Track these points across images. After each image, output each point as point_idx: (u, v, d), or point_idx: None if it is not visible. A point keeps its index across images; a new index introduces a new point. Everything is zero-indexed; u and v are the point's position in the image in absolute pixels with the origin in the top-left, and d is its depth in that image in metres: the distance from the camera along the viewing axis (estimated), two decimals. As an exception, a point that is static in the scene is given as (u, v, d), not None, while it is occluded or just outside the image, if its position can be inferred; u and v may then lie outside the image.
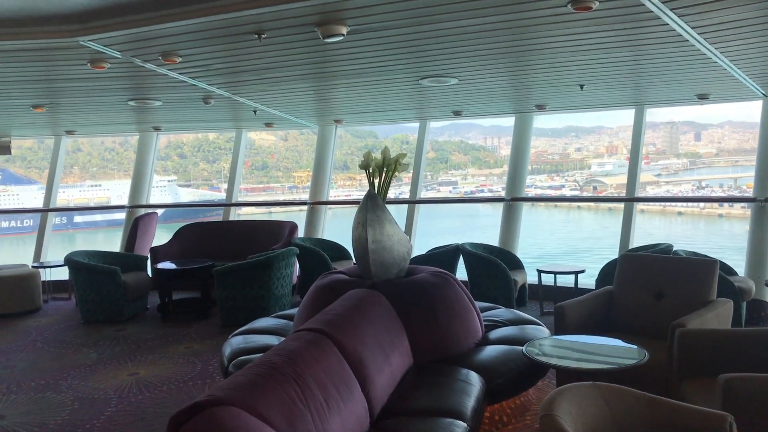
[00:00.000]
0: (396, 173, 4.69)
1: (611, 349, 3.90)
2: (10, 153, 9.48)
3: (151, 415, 4.43)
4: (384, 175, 4.65)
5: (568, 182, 28.53)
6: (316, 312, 4.18)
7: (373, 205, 4.37)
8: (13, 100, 6.64)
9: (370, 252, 4.30)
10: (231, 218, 9.80)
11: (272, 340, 4.57)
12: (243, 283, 6.82)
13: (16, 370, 5.64)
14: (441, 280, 4.43)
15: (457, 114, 8.20)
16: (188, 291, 8.67)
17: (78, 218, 29.48)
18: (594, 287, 6.53)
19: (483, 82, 6.25)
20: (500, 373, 3.84)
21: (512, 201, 8.31)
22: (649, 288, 4.50)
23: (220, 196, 33.32)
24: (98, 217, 29.09)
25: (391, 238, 4.39)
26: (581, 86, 6.33)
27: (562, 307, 4.31)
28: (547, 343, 4.04)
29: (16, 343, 6.55)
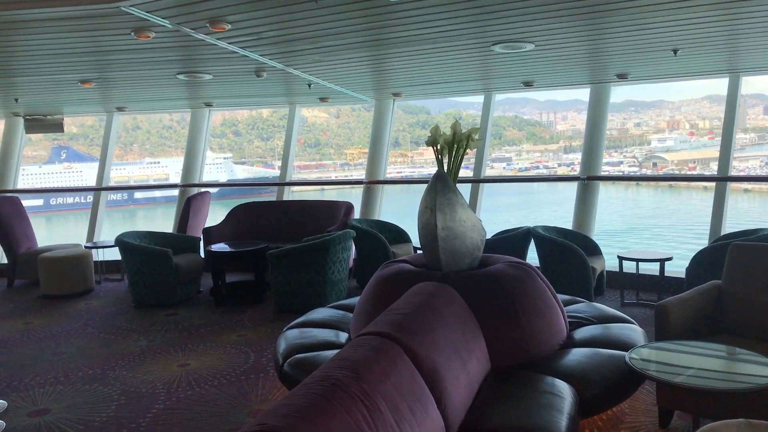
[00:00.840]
0: (468, 150, 4.19)
1: (740, 363, 3.34)
2: (62, 131, 9.38)
3: (201, 415, 4.12)
4: (454, 152, 4.16)
5: (627, 158, 27.47)
6: (379, 308, 3.77)
7: (443, 187, 3.89)
8: (61, 75, 6.41)
9: (440, 240, 3.83)
10: (285, 197, 9.49)
11: (330, 334, 4.18)
12: (298, 268, 6.47)
13: (65, 356, 5.46)
14: (521, 272, 3.93)
15: (527, 85, 7.58)
16: (241, 273, 8.42)
17: (138, 194, 30.24)
18: (684, 276, 5.89)
19: (562, 48, 5.64)
20: (593, 382, 3.33)
21: (588, 180, 7.66)
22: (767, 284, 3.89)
23: (274, 173, 33.41)
24: (157, 193, 29.81)
25: (463, 224, 3.90)
26: (675, 51, 5.64)
27: (664, 306, 3.75)
28: (652, 351, 3.51)
29: (67, 327, 6.40)
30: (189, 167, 9.69)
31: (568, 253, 6.29)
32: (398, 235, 7.87)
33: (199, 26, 4.59)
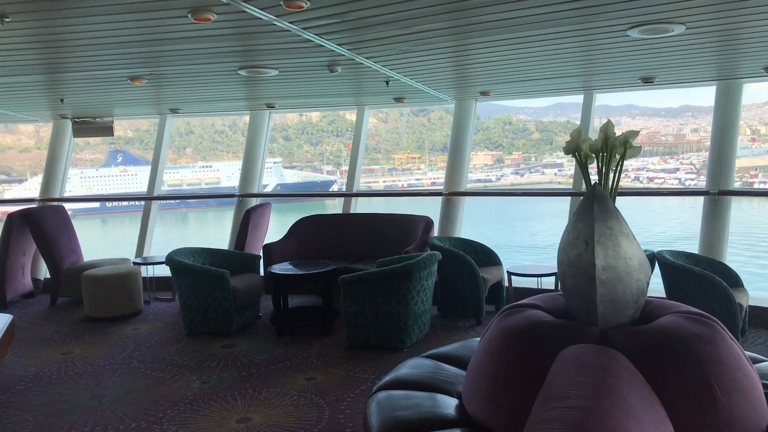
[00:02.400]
0: (622, 160, 3.19)
1: None
2: (112, 134, 8.75)
3: (269, 500, 3.24)
4: (605, 162, 3.16)
5: (684, 165, 27.23)
6: (510, 373, 2.83)
7: (602, 211, 2.89)
8: (109, 70, 5.69)
9: (599, 284, 2.83)
10: (351, 210, 8.61)
11: (435, 402, 3.23)
12: (375, 296, 5.56)
13: (105, 401, 4.68)
14: (706, 329, 2.89)
15: (647, 81, 6.46)
16: (305, 296, 7.59)
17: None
18: None
19: (714, 31, 4.56)
20: None
21: (719, 195, 6.50)
22: None
23: (323, 177, 33.35)
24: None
25: (628, 263, 2.90)
26: None
27: None
28: None
29: (110, 359, 5.65)
30: (247, 175, 8.91)
31: (708, 286, 5.18)
32: (486, 257, 6.88)
33: (271, 3, 3.73)
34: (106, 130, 8.70)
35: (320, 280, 6.33)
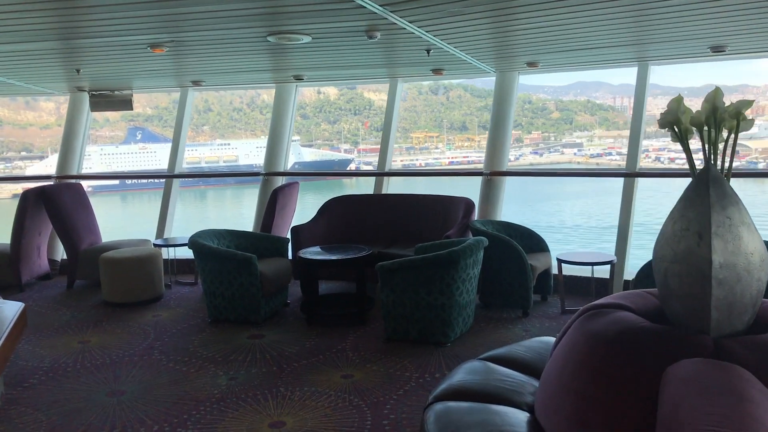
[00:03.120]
0: (733, 135, 2.68)
1: None
2: (131, 108, 8.36)
3: None
4: (712, 139, 2.66)
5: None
6: (599, 390, 2.41)
7: (719, 197, 2.41)
8: (128, 36, 5.25)
9: (716, 285, 2.34)
10: (384, 190, 8.15)
11: (504, 418, 2.79)
12: (416, 285, 5.12)
13: (124, 399, 4.31)
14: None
15: (718, 51, 5.87)
16: (336, 281, 7.19)
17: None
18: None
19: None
20: None
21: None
22: None
23: (340, 156, 33.06)
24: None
25: (750, 258, 2.41)
26: None
27: None
28: None
29: (130, 350, 5.29)
30: (273, 152, 8.48)
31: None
32: (532, 242, 6.40)
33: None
34: (125, 104, 8.30)
35: (353, 266, 5.90)
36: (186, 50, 5.92)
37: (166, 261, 7.39)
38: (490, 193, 7.45)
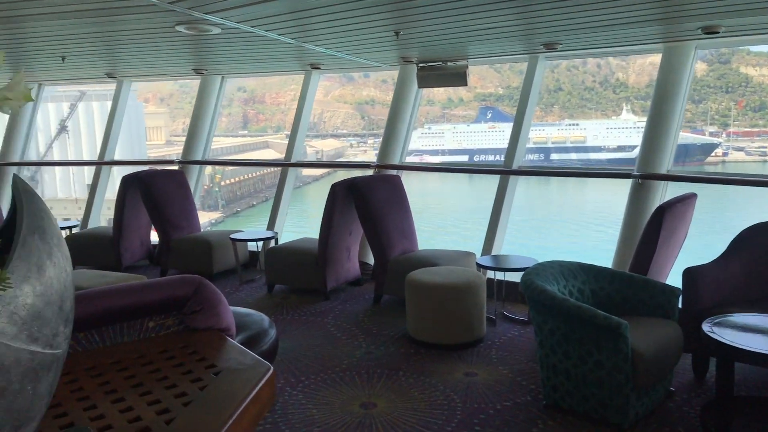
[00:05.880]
0: None
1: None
2: (465, 83, 6.69)
3: None
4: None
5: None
6: None
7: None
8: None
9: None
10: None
11: None
12: None
13: None
14: None
15: None
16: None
17: (554, 155, 29.33)
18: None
19: None
20: None
21: None
22: None
23: (703, 139, 28.47)
24: (573, 155, 29.51)
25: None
26: None
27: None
28: None
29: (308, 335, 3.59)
30: (653, 142, 6.01)
31: None
32: None
33: None
34: (458, 78, 6.69)
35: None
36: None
37: (490, 281, 5.62)
38: None
